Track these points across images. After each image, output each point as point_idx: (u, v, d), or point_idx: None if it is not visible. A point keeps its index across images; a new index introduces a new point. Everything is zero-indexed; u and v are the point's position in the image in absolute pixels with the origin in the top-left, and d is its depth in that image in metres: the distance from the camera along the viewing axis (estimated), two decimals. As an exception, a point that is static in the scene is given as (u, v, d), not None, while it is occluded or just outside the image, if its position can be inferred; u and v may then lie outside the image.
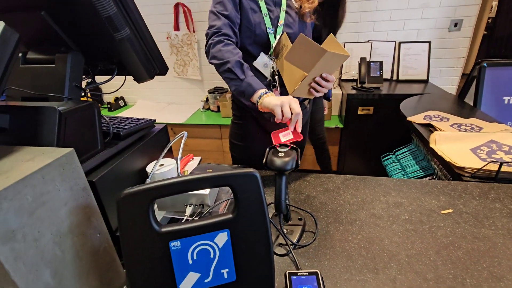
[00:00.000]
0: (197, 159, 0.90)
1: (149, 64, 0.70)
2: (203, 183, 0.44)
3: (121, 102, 2.85)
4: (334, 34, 1.37)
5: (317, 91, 0.91)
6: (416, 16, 2.11)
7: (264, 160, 0.69)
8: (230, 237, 0.46)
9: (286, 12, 0.96)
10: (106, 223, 0.54)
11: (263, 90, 0.82)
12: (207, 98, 2.59)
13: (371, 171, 2.12)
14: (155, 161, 0.75)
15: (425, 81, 2.14)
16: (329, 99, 1.70)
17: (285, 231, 0.70)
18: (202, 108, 2.60)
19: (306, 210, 0.79)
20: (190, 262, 0.45)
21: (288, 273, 0.55)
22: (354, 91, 1.97)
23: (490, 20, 3.21)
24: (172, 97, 2.84)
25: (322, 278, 0.53)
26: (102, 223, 0.52)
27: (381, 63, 2.03)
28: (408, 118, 1.38)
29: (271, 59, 0.97)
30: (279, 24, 0.95)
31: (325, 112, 1.93)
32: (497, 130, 1.16)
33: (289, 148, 0.71)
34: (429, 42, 2.11)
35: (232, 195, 0.78)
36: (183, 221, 0.66)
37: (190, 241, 0.44)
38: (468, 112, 1.45)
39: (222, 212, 0.71)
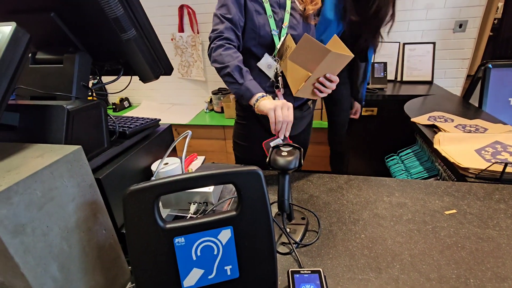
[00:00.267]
0: (201, 158, 0.91)
1: (154, 65, 0.71)
2: (207, 180, 0.44)
3: (126, 103, 2.88)
4: (377, 31, 1.32)
5: (320, 92, 0.92)
6: (420, 17, 2.10)
7: (267, 159, 0.70)
8: (234, 234, 0.46)
9: (291, 14, 0.97)
10: (112, 220, 0.55)
11: (260, 94, 0.85)
12: (211, 99, 2.61)
13: (375, 172, 2.11)
14: (160, 159, 0.76)
15: (430, 82, 2.14)
16: (362, 102, 1.67)
17: (288, 230, 0.70)
18: (206, 109, 2.61)
19: (309, 209, 0.79)
20: (194, 258, 0.46)
21: (291, 271, 0.55)
22: (358, 92, 1.97)
23: (496, 21, 3.18)
24: (176, 98, 2.86)
25: (324, 276, 0.54)
26: (108, 220, 0.53)
27: (385, 64, 2.02)
28: (412, 119, 1.37)
29: (275, 60, 0.98)
30: (283, 26, 0.95)
31: (356, 116, 1.75)
32: (502, 131, 1.15)
33: (292, 147, 0.72)
34: (434, 43, 2.10)
35: (235, 193, 0.78)
36: (187, 218, 0.67)
37: (194, 237, 0.45)
38: (473, 113, 1.44)
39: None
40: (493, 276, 0.57)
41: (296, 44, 0.91)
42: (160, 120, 0.86)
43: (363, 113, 1.95)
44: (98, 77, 0.76)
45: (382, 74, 2.01)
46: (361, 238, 0.68)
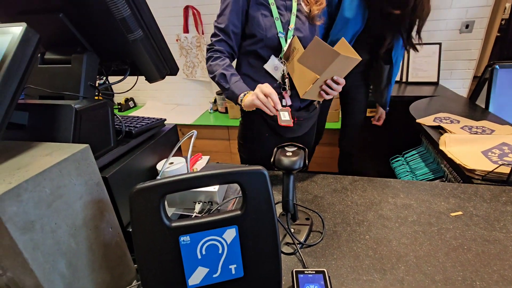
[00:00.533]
0: (205, 158, 0.91)
1: (160, 65, 0.72)
2: (213, 179, 0.45)
3: (131, 103, 2.91)
4: (411, 32, 1.28)
5: (327, 94, 0.92)
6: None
7: (272, 160, 0.70)
8: (238, 233, 0.46)
9: (297, 16, 0.97)
10: (118, 219, 0.56)
11: (243, 94, 0.90)
12: (215, 100, 2.62)
13: (380, 173, 2.10)
14: (165, 159, 0.76)
15: (435, 83, 2.12)
16: (387, 108, 1.63)
17: (292, 230, 0.70)
18: (210, 110, 2.62)
19: (313, 210, 0.79)
20: (199, 257, 0.46)
21: (295, 271, 0.55)
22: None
23: (503, 22, 3.14)
24: (181, 99, 2.87)
25: (329, 277, 0.54)
26: (114, 218, 0.53)
27: (390, 65, 2.01)
28: (417, 120, 1.36)
29: (281, 62, 0.98)
30: (290, 28, 0.96)
31: (379, 123, 1.71)
32: (509, 133, 1.14)
33: (297, 147, 0.72)
34: (440, 44, 2.08)
35: (239, 193, 0.79)
36: (193, 217, 0.67)
37: (199, 236, 0.45)
38: (479, 114, 1.43)
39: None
40: (500, 278, 0.56)
41: (302, 46, 0.91)
42: (165, 120, 0.87)
43: (367, 114, 1.95)
44: (104, 77, 0.77)
45: (387, 75, 2.00)
46: (365, 239, 0.68)
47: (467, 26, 2.05)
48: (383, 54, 1.40)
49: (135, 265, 0.58)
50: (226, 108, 2.49)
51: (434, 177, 1.25)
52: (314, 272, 0.55)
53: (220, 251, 0.46)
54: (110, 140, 0.65)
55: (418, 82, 2.14)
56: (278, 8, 0.95)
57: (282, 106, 0.98)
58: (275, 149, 0.72)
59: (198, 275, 0.46)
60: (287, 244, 0.67)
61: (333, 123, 2.20)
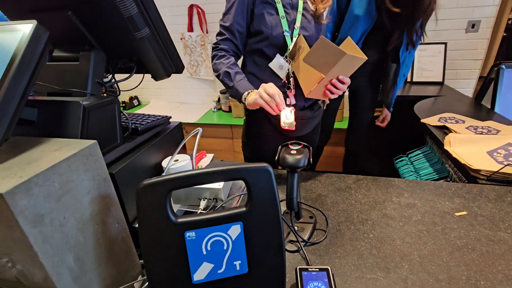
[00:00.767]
0: (210, 156, 0.92)
1: (166, 63, 0.73)
2: (218, 176, 0.45)
3: (135, 101, 2.93)
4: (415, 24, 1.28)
5: (332, 93, 0.92)
6: (431, 17, 2.07)
7: (276, 158, 0.70)
8: (243, 229, 0.47)
9: (303, 14, 0.97)
10: (124, 214, 0.56)
11: (247, 92, 0.90)
12: (219, 98, 2.63)
13: (383, 172, 2.09)
14: (170, 156, 0.77)
15: (441, 83, 2.10)
16: (390, 109, 1.64)
17: (296, 228, 0.70)
18: (214, 108, 2.63)
19: (317, 208, 0.79)
20: (204, 252, 0.46)
21: (299, 268, 0.55)
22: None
23: (510, 22, 3.10)
24: (185, 97, 2.89)
25: (332, 274, 0.54)
26: (120, 213, 0.54)
27: (395, 64, 2.00)
28: (422, 120, 1.36)
29: (286, 61, 0.98)
30: (295, 27, 0.96)
31: (383, 124, 1.70)
32: (516, 133, 1.13)
33: (301, 146, 0.72)
34: (445, 44, 2.06)
35: (244, 190, 0.79)
36: (198, 213, 0.68)
37: (205, 232, 0.46)
38: (485, 114, 1.42)
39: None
40: (504, 278, 0.56)
41: (308, 44, 0.91)
42: (171, 117, 0.88)
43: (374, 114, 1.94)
44: (111, 75, 0.78)
45: (391, 74, 1.99)
46: (369, 237, 0.68)
47: (473, 26, 2.03)
48: (391, 52, 1.39)
49: (141, 261, 0.59)
50: (229, 107, 2.50)
51: (438, 177, 1.25)
52: (318, 269, 0.55)
53: (225, 247, 0.47)
54: (117, 136, 0.66)
55: (423, 82, 2.13)
56: (284, 6, 0.95)
57: (286, 105, 0.99)
58: (280, 147, 0.73)
59: (203, 271, 0.47)
60: (291, 242, 0.68)
61: (337, 122, 2.20)
